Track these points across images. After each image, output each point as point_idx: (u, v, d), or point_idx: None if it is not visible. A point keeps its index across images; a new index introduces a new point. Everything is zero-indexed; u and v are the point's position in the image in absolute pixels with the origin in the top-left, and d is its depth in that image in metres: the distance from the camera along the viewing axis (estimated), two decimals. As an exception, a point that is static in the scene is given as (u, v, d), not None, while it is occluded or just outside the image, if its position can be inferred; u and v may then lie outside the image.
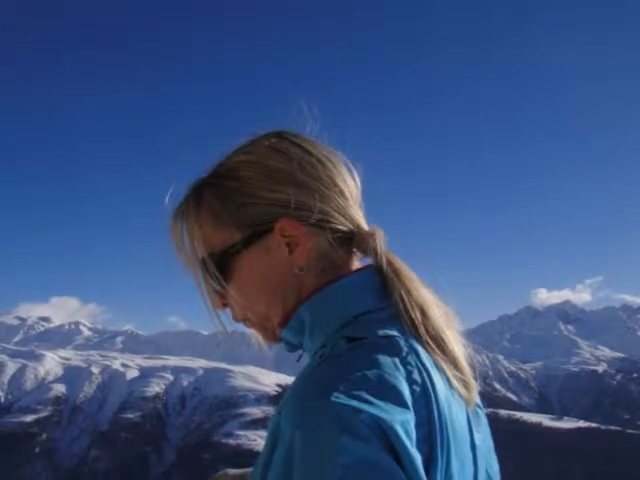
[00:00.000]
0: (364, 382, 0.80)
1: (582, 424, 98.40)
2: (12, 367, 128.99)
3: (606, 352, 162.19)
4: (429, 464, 0.81)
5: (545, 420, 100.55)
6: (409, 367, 0.85)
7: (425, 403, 0.83)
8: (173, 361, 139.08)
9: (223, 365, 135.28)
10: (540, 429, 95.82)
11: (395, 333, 0.89)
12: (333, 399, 0.77)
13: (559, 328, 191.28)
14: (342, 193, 0.99)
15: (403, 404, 0.80)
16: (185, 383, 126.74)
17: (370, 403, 0.77)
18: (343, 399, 0.77)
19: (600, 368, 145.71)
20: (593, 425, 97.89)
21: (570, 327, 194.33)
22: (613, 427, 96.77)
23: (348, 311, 0.93)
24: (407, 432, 0.78)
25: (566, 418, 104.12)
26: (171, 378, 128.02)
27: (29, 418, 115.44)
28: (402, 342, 0.88)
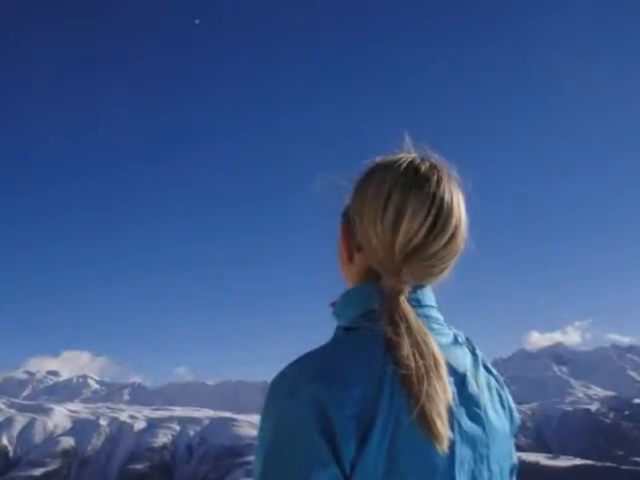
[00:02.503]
0: (319, 358, 0.97)
1: (578, 462, 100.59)
2: (21, 421, 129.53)
3: (598, 391, 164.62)
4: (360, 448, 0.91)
5: (542, 459, 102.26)
6: (376, 360, 0.96)
7: (372, 396, 0.93)
8: (179, 412, 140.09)
9: (228, 414, 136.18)
10: (538, 468, 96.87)
11: (377, 327, 0.99)
12: (286, 368, 0.97)
13: (552, 369, 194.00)
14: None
15: (342, 383, 0.93)
16: (192, 433, 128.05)
17: (314, 378, 0.93)
18: (291, 370, 0.96)
19: (593, 407, 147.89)
20: (589, 462, 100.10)
21: (563, 368, 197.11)
22: (608, 464, 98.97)
23: (362, 307, 1.05)
24: (339, 404, 0.91)
25: (563, 457, 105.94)
26: (178, 428, 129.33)
27: (38, 472, 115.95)
28: (382, 335, 0.98)
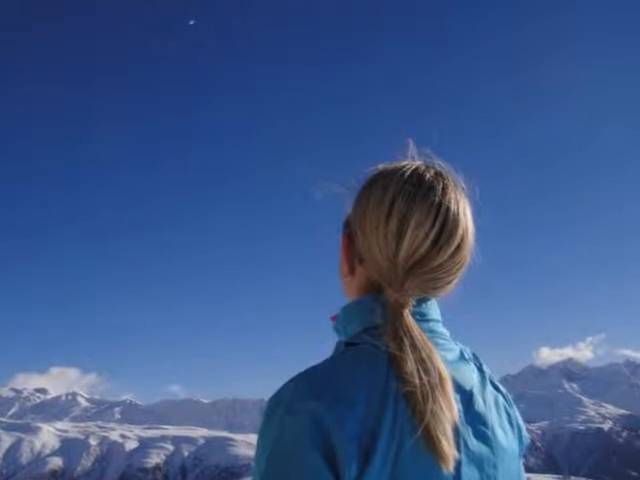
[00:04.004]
0: (318, 374, 0.94)
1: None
2: (7, 441, 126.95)
3: (611, 409, 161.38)
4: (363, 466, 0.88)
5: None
6: (379, 376, 0.93)
7: (375, 412, 0.91)
8: (173, 431, 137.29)
9: (224, 433, 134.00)
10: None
11: (380, 343, 0.97)
12: (285, 385, 0.94)
13: (563, 387, 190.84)
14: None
15: (343, 400, 0.90)
16: (186, 453, 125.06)
17: (314, 395, 0.90)
18: (290, 387, 0.93)
19: (606, 426, 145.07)
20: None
21: (574, 385, 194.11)
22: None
23: (364, 321, 1.02)
24: (339, 422, 0.88)
25: (574, 478, 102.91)
26: (171, 448, 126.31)
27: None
28: (385, 351, 0.96)
